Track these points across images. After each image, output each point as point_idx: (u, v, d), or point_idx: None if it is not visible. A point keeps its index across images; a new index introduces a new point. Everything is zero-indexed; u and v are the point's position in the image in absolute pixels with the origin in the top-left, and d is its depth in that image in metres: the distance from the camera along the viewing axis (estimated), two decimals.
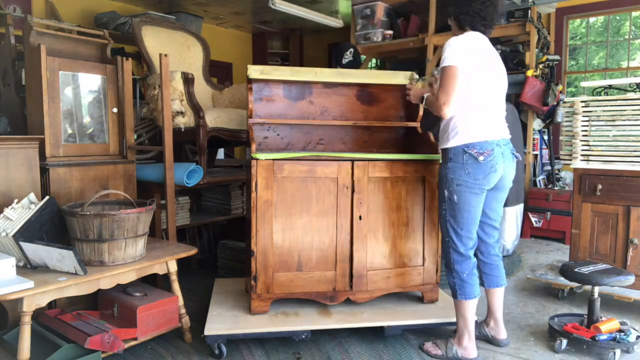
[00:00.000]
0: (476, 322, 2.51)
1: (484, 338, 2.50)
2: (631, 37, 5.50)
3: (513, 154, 2.31)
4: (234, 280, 3.06)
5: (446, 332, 2.59)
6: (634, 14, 5.45)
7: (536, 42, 4.90)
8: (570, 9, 5.57)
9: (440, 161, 2.35)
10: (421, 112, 2.82)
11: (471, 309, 2.28)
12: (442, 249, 2.33)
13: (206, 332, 2.29)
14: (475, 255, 2.39)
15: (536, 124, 5.02)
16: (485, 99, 2.23)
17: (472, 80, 2.17)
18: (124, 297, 2.40)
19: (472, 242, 2.28)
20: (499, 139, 2.23)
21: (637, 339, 2.37)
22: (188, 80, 3.21)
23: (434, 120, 2.46)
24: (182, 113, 3.20)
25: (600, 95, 3.31)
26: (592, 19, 5.77)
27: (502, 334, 2.47)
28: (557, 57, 4.92)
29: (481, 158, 2.17)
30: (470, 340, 2.30)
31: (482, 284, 2.43)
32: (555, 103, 4.74)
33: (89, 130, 2.84)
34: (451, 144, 2.22)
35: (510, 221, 4.26)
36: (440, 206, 2.31)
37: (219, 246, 3.68)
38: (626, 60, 5.55)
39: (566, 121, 3.18)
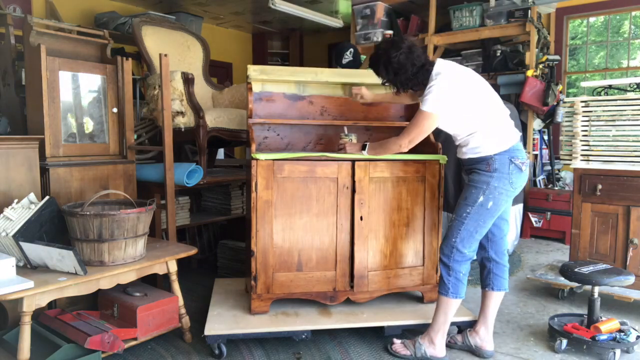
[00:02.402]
0: (460, 330, 2.51)
1: (467, 348, 2.41)
2: (631, 36, 5.50)
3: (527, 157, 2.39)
4: (234, 280, 3.06)
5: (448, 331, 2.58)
6: (634, 13, 5.45)
7: (536, 42, 4.90)
8: (570, 9, 5.57)
9: (475, 168, 2.27)
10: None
11: (455, 308, 2.29)
12: (441, 247, 2.31)
13: (206, 332, 2.29)
14: (488, 257, 2.39)
15: (536, 124, 5.02)
16: (493, 105, 2.27)
17: (476, 99, 2.22)
18: (124, 297, 2.40)
19: (476, 245, 2.30)
20: (521, 142, 2.32)
21: (637, 339, 2.37)
22: (188, 80, 3.21)
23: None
24: (182, 113, 3.20)
25: (600, 95, 3.31)
26: (592, 19, 5.77)
27: (489, 344, 2.38)
28: (557, 57, 4.92)
29: (524, 168, 2.24)
30: (443, 339, 2.31)
31: (487, 286, 2.39)
32: (555, 103, 4.74)
33: (89, 130, 2.84)
34: (493, 151, 2.20)
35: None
36: (463, 208, 2.25)
37: (219, 246, 3.68)
38: (626, 60, 5.54)
39: (566, 121, 3.18)
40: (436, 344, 2.29)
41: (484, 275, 2.42)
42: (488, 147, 2.21)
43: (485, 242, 2.39)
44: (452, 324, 2.52)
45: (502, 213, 2.35)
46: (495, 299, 2.40)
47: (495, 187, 2.20)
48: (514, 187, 2.23)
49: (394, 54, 2.22)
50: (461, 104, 2.19)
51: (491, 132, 2.22)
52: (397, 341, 2.40)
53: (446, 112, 2.18)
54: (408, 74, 2.23)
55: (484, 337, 2.39)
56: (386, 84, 2.35)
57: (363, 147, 2.44)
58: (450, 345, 2.44)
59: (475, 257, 2.34)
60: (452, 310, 2.28)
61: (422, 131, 2.21)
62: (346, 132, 2.67)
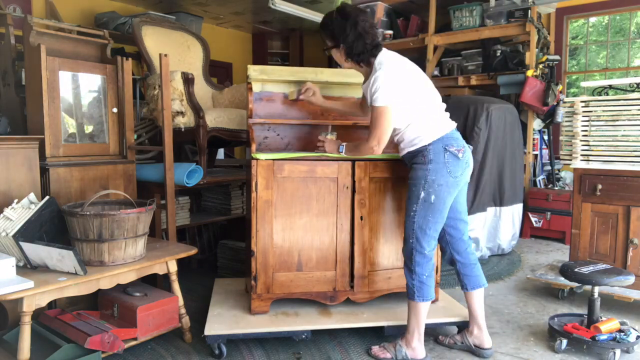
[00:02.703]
0: (459, 330, 2.50)
1: (467, 349, 2.41)
2: (632, 37, 5.50)
3: (469, 146, 2.35)
4: (234, 280, 3.06)
5: (448, 331, 2.59)
6: (635, 13, 5.45)
7: (536, 42, 4.90)
8: (570, 9, 5.57)
9: (412, 162, 2.27)
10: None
11: (425, 310, 2.27)
12: (403, 251, 2.30)
13: (206, 332, 2.29)
14: (452, 259, 2.38)
15: (536, 124, 5.02)
16: (429, 95, 2.27)
17: (414, 92, 2.22)
18: (124, 297, 2.40)
19: (435, 242, 2.27)
20: (457, 130, 2.30)
21: (637, 339, 2.37)
22: (188, 80, 3.21)
23: None
24: (182, 113, 3.20)
25: (600, 95, 3.31)
26: (594, 19, 5.77)
27: (486, 342, 2.37)
28: (557, 57, 4.93)
29: (460, 155, 2.20)
30: (420, 341, 2.28)
31: (463, 287, 2.38)
32: (555, 103, 4.74)
33: (89, 130, 2.84)
34: (427, 141, 2.20)
35: (506, 220, 4.26)
36: (409, 207, 2.24)
37: (219, 246, 3.68)
38: (627, 60, 5.54)
39: (566, 121, 3.18)
40: (414, 347, 2.28)
41: (458, 277, 2.41)
42: (422, 138, 2.20)
43: (445, 245, 2.39)
44: (451, 324, 2.53)
45: (458, 213, 2.34)
46: (475, 297, 2.37)
47: (434, 180, 2.17)
48: (453, 176, 2.19)
49: (363, 18, 2.23)
50: (402, 93, 2.19)
51: (425, 122, 2.21)
52: (375, 346, 2.39)
53: (396, 101, 2.17)
54: (365, 45, 2.22)
55: (478, 336, 2.38)
56: (331, 48, 2.31)
57: (339, 148, 2.43)
58: (450, 346, 2.45)
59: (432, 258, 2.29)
60: (423, 312, 2.26)
61: (384, 128, 2.19)
62: (329, 130, 2.66)
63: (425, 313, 2.28)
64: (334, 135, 2.61)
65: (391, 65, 2.20)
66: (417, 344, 2.28)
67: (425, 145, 2.21)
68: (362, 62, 2.30)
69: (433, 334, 2.58)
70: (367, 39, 2.22)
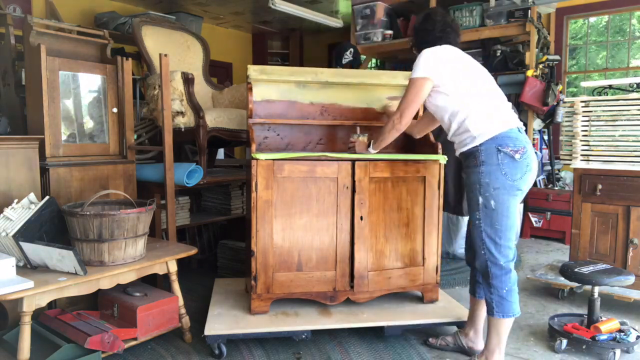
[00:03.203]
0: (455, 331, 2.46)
1: (459, 349, 2.38)
2: (632, 37, 5.50)
3: (535, 152, 2.21)
4: (234, 280, 3.06)
5: (446, 331, 2.58)
6: (635, 13, 5.44)
7: (536, 42, 4.90)
8: (570, 9, 5.57)
9: (467, 166, 2.15)
10: (421, 113, 2.82)
11: (507, 327, 2.11)
12: (477, 264, 2.13)
13: (206, 332, 2.29)
14: (472, 264, 2.27)
15: (536, 124, 5.02)
16: (487, 89, 2.17)
17: (464, 80, 2.15)
18: (124, 297, 2.40)
19: (512, 253, 2.08)
20: (521, 129, 2.12)
21: (637, 339, 2.37)
22: (188, 80, 3.21)
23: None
24: (182, 113, 3.20)
25: (600, 95, 3.31)
26: (593, 19, 5.77)
27: (479, 345, 2.32)
28: (557, 57, 4.92)
29: (517, 156, 2.01)
30: (501, 357, 2.14)
31: (474, 293, 2.34)
32: (555, 103, 4.74)
33: (89, 130, 2.84)
34: (479, 141, 2.05)
35: None
36: (473, 216, 2.09)
37: (219, 246, 3.68)
38: (626, 60, 5.54)
39: (566, 121, 3.18)
40: None
41: (472, 281, 2.36)
42: (474, 137, 2.07)
43: (470, 250, 2.27)
44: (450, 324, 2.51)
45: None
46: (481, 306, 2.30)
47: (488, 184, 2.02)
48: (511, 179, 2.01)
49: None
50: (448, 73, 2.12)
51: (476, 118, 2.07)
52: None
53: (435, 75, 2.11)
54: (427, 39, 2.25)
55: (473, 339, 2.36)
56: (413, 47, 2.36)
57: (368, 146, 2.44)
58: (442, 348, 2.42)
59: (511, 267, 2.11)
60: (504, 329, 2.10)
61: (410, 100, 2.14)
62: (358, 132, 2.65)
63: (508, 330, 2.12)
64: (365, 137, 2.57)
65: (440, 47, 2.19)
66: None
67: (477, 146, 2.06)
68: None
69: (432, 333, 2.57)
70: (431, 28, 2.26)
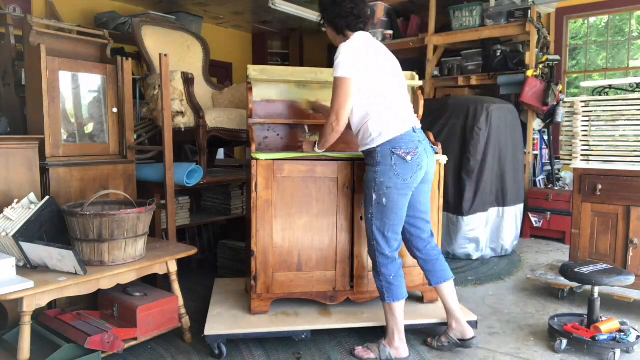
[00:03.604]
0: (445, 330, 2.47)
1: (454, 344, 2.38)
2: (632, 37, 5.50)
3: (431, 146, 2.32)
4: (234, 280, 3.06)
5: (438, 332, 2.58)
6: (635, 13, 5.44)
7: (536, 42, 4.90)
8: (570, 9, 5.57)
9: (366, 163, 2.28)
10: (421, 112, 2.82)
11: (400, 309, 2.27)
12: (368, 252, 2.32)
13: (206, 332, 2.29)
14: (414, 255, 2.39)
15: (536, 124, 5.02)
16: (391, 91, 2.25)
17: (374, 79, 2.20)
18: (124, 297, 2.40)
19: (397, 243, 2.27)
20: (416, 129, 2.25)
21: (637, 339, 2.37)
22: (188, 80, 3.21)
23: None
24: (182, 113, 3.20)
25: (600, 95, 3.31)
26: (593, 19, 5.77)
27: (468, 333, 2.35)
28: (557, 57, 4.93)
29: (409, 158, 2.17)
30: (401, 340, 2.29)
31: (429, 283, 2.39)
32: (555, 103, 4.74)
33: (89, 130, 2.84)
34: (376, 143, 2.18)
35: (509, 221, 4.26)
36: (366, 209, 2.26)
37: (219, 246, 3.68)
38: (626, 60, 5.54)
39: (566, 121, 3.18)
40: (397, 346, 2.28)
41: (425, 274, 2.42)
42: (374, 139, 2.19)
43: (406, 243, 2.39)
44: (440, 324, 2.50)
45: (418, 212, 2.33)
46: (445, 291, 2.36)
47: (382, 182, 2.17)
48: (402, 179, 2.17)
49: None
50: (365, 74, 2.17)
51: (379, 120, 2.18)
52: (358, 347, 2.38)
53: (357, 75, 2.15)
54: (342, 9, 2.25)
55: (458, 329, 2.37)
56: (323, 22, 2.36)
57: (314, 145, 2.44)
58: (439, 349, 2.42)
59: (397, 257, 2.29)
60: (398, 312, 2.27)
61: (342, 101, 2.18)
62: (307, 130, 2.67)
63: (401, 312, 2.28)
64: (315, 136, 2.60)
65: (360, 42, 2.21)
66: (399, 343, 2.29)
67: (374, 147, 2.20)
68: (339, 30, 2.28)
69: (432, 333, 2.57)
70: (344, 2, 2.24)
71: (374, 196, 2.21)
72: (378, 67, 2.23)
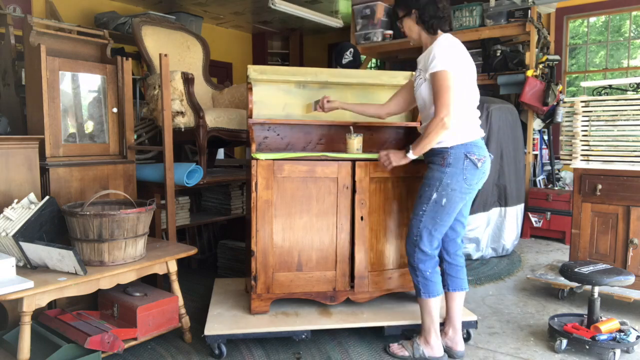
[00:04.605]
0: (407, 338, 2.44)
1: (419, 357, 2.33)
2: (631, 36, 5.50)
3: (490, 156, 2.34)
4: (234, 280, 3.06)
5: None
6: (634, 13, 5.45)
7: (536, 42, 4.90)
8: (570, 9, 5.58)
9: (430, 162, 2.25)
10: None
11: (436, 306, 2.28)
12: (406, 248, 2.31)
13: (206, 332, 2.29)
14: (441, 257, 2.36)
15: (536, 124, 5.02)
16: (473, 96, 2.27)
17: (464, 80, 2.19)
18: (124, 297, 2.40)
19: (438, 243, 2.28)
20: (483, 137, 2.29)
21: (637, 339, 2.37)
22: (188, 80, 3.21)
23: None
24: (182, 113, 3.20)
25: (600, 95, 3.31)
26: (592, 19, 5.77)
27: (459, 345, 2.35)
28: (557, 57, 4.93)
29: (479, 164, 2.19)
30: (437, 338, 2.29)
31: (445, 287, 2.36)
32: (555, 103, 4.75)
33: (89, 130, 2.84)
34: (450, 144, 2.16)
35: (511, 221, 4.26)
36: (418, 206, 2.24)
37: (219, 246, 3.68)
38: (626, 60, 5.54)
39: (566, 121, 3.18)
40: (431, 344, 2.29)
41: (442, 276, 2.37)
42: (448, 140, 2.17)
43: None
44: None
45: (460, 215, 2.33)
46: (456, 299, 2.36)
47: (448, 184, 2.17)
48: (468, 183, 2.18)
49: None
50: (459, 72, 2.16)
51: (457, 123, 2.16)
52: (393, 344, 2.39)
53: (455, 71, 2.13)
54: (437, 9, 2.23)
55: (452, 338, 2.36)
56: (404, 17, 2.31)
57: (407, 151, 2.25)
58: (404, 358, 2.37)
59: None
60: (433, 308, 2.27)
61: (450, 94, 2.10)
62: (352, 131, 2.63)
63: (437, 309, 2.29)
64: (360, 137, 2.57)
65: (455, 42, 2.23)
66: (434, 341, 2.29)
67: (447, 148, 2.18)
68: (431, 29, 2.26)
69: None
70: (440, 3, 2.24)
71: (434, 195, 2.19)
72: (467, 70, 2.22)
